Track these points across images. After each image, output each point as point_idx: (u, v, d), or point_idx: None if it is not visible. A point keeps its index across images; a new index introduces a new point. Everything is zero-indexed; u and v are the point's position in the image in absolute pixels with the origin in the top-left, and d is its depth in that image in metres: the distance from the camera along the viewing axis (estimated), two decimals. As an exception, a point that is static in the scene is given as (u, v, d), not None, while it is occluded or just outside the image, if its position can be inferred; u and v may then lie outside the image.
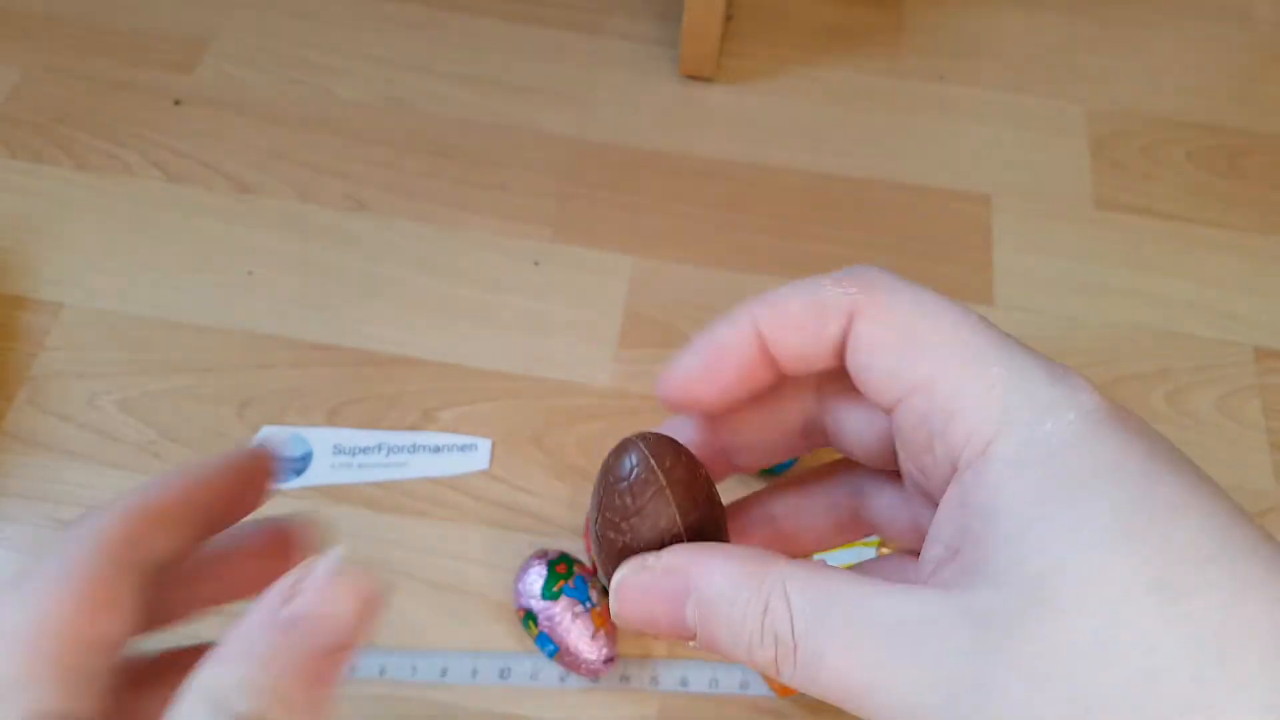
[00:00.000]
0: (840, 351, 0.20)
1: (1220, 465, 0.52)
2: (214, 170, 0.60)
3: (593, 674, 0.43)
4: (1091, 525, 0.16)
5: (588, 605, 0.43)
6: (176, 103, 0.63)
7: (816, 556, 0.44)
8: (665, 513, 0.20)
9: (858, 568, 0.21)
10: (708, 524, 0.21)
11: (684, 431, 0.23)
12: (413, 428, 0.51)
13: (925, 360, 0.18)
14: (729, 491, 0.22)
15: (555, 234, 0.59)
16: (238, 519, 0.22)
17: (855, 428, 0.22)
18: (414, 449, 0.51)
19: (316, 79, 0.64)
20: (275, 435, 0.51)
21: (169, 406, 0.51)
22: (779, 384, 0.22)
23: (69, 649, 0.16)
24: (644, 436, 0.21)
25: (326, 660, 0.17)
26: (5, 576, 0.17)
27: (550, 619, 0.43)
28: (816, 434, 0.23)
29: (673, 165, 0.62)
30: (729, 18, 0.68)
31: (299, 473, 0.50)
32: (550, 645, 0.43)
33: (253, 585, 0.22)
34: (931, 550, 0.19)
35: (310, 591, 0.17)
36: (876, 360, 0.19)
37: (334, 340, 0.54)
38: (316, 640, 0.17)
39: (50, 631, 0.16)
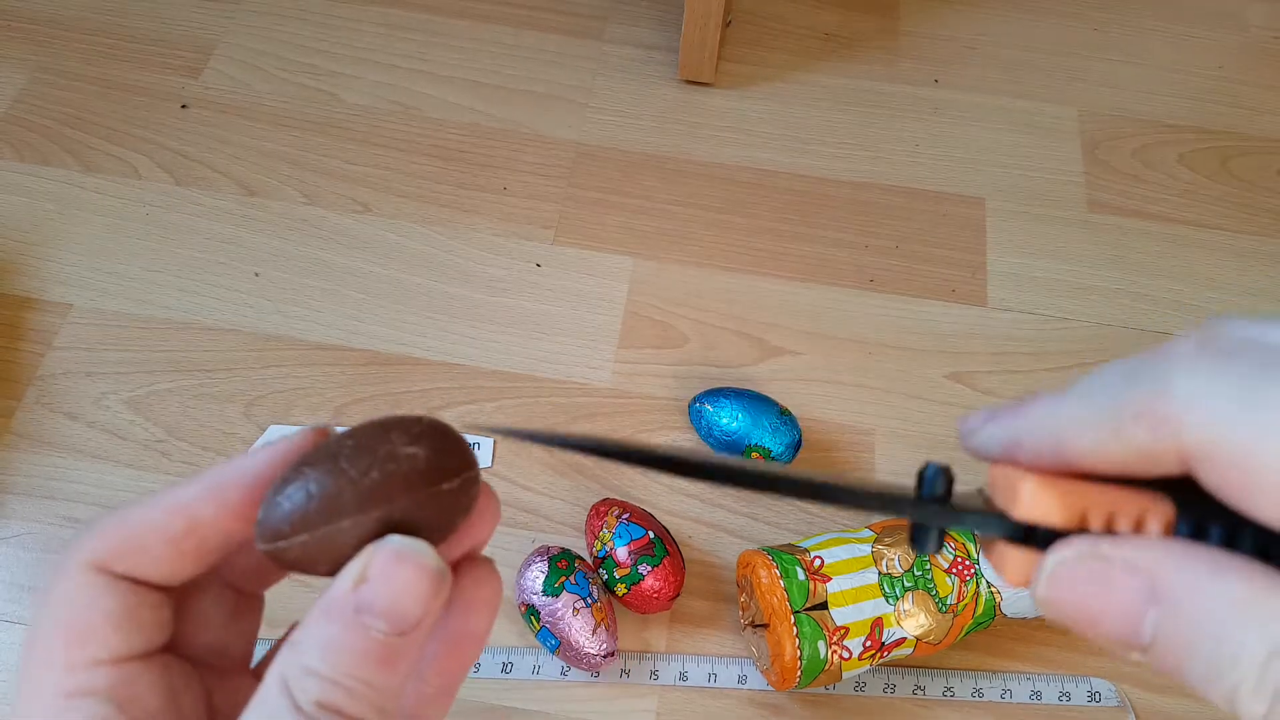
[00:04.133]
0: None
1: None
2: (220, 173, 0.61)
3: (593, 668, 0.44)
4: None
5: (589, 601, 0.44)
6: (183, 106, 0.63)
7: (810, 541, 0.44)
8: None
9: None
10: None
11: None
12: (416, 426, 0.52)
13: None
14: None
15: (556, 236, 0.59)
16: None
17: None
18: (418, 447, 0.51)
19: (321, 83, 0.65)
20: (281, 433, 0.51)
21: (176, 405, 0.52)
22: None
23: (63, 679, 0.17)
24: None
25: (394, 645, 0.17)
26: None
27: (552, 614, 0.43)
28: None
29: (672, 168, 0.63)
30: (727, 24, 0.68)
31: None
32: (552, 640, 0.44)
33: None
34: None
35: (375, 578, 0.17)
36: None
37: (339, 340, 0.55)
38: (382, 626, 0.17)
39: (40, 668, 0.17)
